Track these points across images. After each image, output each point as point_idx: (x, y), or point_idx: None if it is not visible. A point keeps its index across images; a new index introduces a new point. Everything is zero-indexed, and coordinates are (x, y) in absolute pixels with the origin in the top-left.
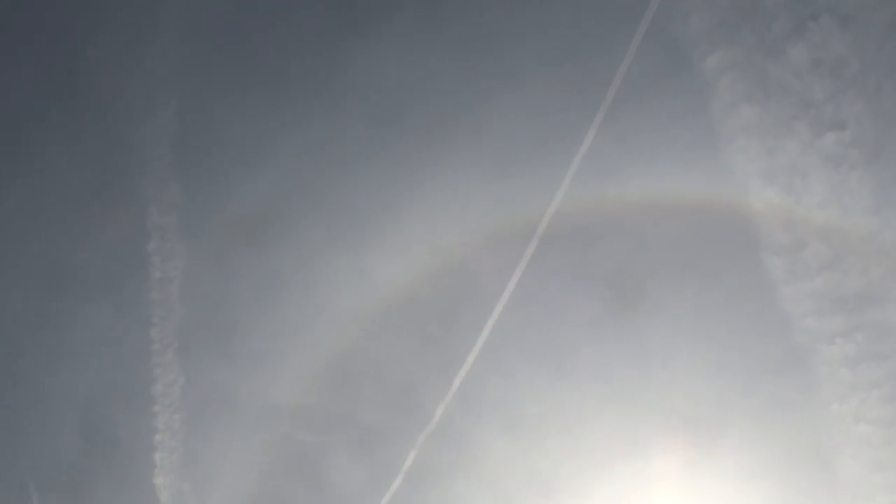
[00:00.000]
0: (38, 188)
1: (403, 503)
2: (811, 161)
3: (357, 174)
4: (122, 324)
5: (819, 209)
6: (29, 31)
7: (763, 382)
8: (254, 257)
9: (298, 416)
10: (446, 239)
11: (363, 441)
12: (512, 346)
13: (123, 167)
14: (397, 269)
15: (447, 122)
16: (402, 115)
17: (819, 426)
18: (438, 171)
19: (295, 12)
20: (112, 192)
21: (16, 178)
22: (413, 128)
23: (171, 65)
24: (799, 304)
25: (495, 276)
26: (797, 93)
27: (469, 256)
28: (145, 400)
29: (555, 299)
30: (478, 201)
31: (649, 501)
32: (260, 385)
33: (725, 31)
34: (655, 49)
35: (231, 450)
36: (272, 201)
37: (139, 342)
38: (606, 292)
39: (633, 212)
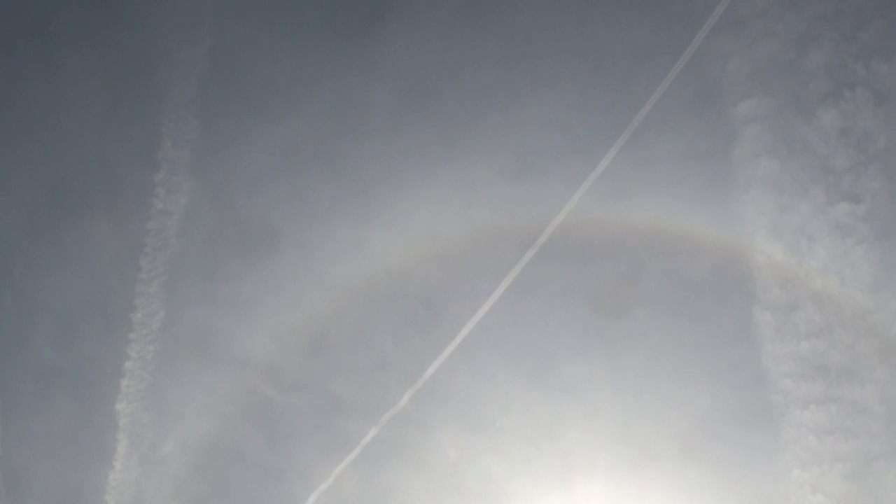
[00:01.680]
0: (61, 99)
1: (354, 477)
2: (820, 226)
3: (373, 146)
4: (114, 246)
5: (819, 275)
6: None
7: (730, 432)
8: (257, 209)
9: (269, 372)
10: (448, 228)
11: (327, 409)
12: (491, 347)
13: (146, 95)
14: (394, 248)
15: (472, 114)
16: (431, 98)
17: (776, 488)
18: (454, 160)
19: None
20: (130, 117)
21: (43, 86)
22: (438, 113)
23: (212, 3)
24: (781, 363)
25: (488, 275)
26: (820, 157)
27: (467, 251)
28: (123, 325)
29: (542, 310)
30: (486, 198)
31: None
32: (237, 334)
33: (761, 82)
34: (690, 84)
35: (196, 391)
36: (284, 155)
37: (127, 268)
38: (594, 313)
39: (636, 239)
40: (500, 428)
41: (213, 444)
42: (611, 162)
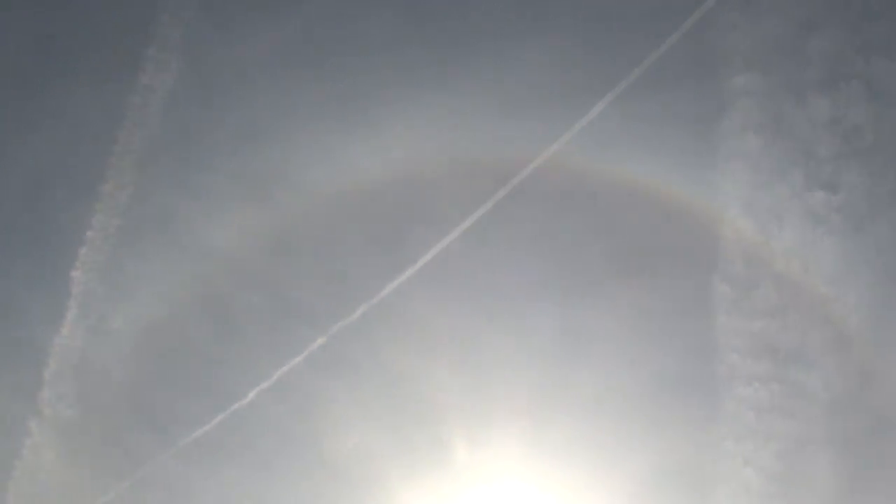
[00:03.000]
0: None
1: (296, 380)
2: (793, 210)
3: (367, 59)
4: (93, 114)
5: (783, 258)
6: None
7: (670, 397)
8: (241, 102)
9: (227, 266)
10: (426, 153)
11: (280, 311)
12: (449, 278)
13: None
14: (370, 164)
15: (470, 45)
16: (432, 22)
17: (708, 457)
18: (444, 87)
19: None
20: None
21: None
22: (436, 38)
23: None
24: (732, 337)
25: (459, 206)
26: (805, 142)
27: (441, 178)
28: (90, 195)
29: (505, 250)
30: (469, 130)
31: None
32: (202, 223)
33: (759, 59)
34: (690, 49)
35: (154, 272)
36: (277, 53)
37: (103, 138)
38: (555, 262)
39: (610, 193)
40: (445, 358)
41: (161, 326)
42: (599, 114)
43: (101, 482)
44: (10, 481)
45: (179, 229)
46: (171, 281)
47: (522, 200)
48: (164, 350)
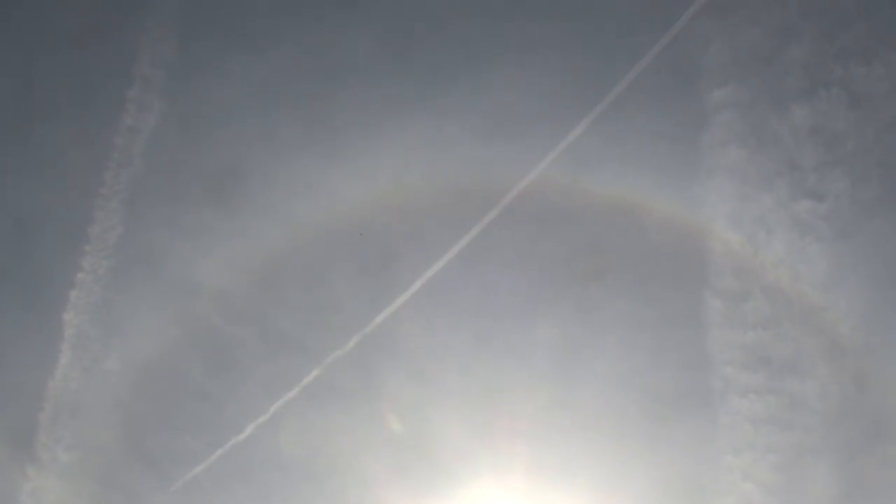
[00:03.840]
0: (41, 4)
1: (293, 413)
2: (780, 220)
3: (348, 90)
4: (78, 155)
5: (773, 268)
6: None
7: (667, 412)
8: (225, 138)
9: (219, 301)
10: (412, 181)
11: (273, 344)
12: (441, 303)
13: (128, 9)
14: (357, 194)
15: (450, 70)
16: (411, 50)
17: (707, 471)
18: (426, 113)
19: None
20: (110, 30)
21: None
22: (416, 66)
23: None
24: (725, 350)
25: (447, 231)
26: (788, 152)
27: (429, 205)
28: (79, 237)
29: (496, 273)
30: (454, 155)
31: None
32: (192, 260)
33: (739, 70)
34: (669, 64)
35: (145, 311)
36: (258, 88)
37: (90, 180)
38: (546, 282)
39: (597, 212)
40: (441, 384)
41: (156, 364)
42: (581, 133)
43: None
44: None
45: (169, 267)
46: (163, 319)
47: (510, 223)
48: (160, 388)
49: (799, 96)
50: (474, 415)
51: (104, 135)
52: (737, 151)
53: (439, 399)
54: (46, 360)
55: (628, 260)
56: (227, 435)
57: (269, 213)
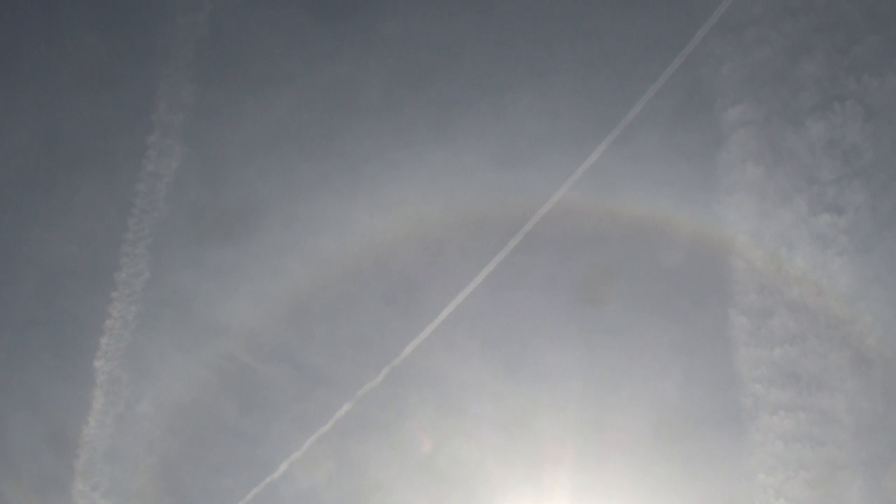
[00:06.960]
0: (60, 54)
1: (327, 448)
2: (801, 235)
3: (365, 125)
4: (102, 204)
5: (796, 283)
6: None
7: (699, 432)
8: (246, 179)
9: (248, 340)
10: (434, 211)
11: (304, 380)
12: (469, 332)
13: (144, 56)
14: (379, 227)
15: (465, 100)
16: (425, 81)
17: (741, 490)
18: (444, 144)
19: None
20: (128, 78)
21: (43, 42)
22: (431, 96)
23: None
24: (753, 368)
25: (471, 260)
26: (806, 167)
27: (451, 234)
28: (106, 284)
29: (521, 299)
30: (474, 184)
31: None
32: (219, 301)
33: (753, 88)
34: (684, 85)
35: (175, 354)
36: (277, 128)
37: (114, 227)
38: (573, 305)
39: (619, 234)
40: (474, 413)
41: (188, 406)
42: (600, 156)
43: None
44: None
45: (197, 309)
46: (193, 360)
47: (533, 248)
48: (193, 430)
49: (813, 111)
50: (507, 443)
51: (126, 182)
52: (754, 168)
53: (471, 428)
54: (79, 408)
55: (652, 281)
56: (262, 473)
57: (293, 250)
